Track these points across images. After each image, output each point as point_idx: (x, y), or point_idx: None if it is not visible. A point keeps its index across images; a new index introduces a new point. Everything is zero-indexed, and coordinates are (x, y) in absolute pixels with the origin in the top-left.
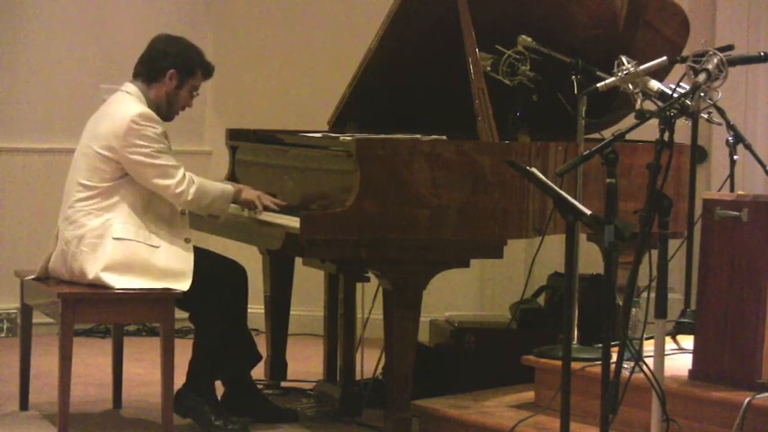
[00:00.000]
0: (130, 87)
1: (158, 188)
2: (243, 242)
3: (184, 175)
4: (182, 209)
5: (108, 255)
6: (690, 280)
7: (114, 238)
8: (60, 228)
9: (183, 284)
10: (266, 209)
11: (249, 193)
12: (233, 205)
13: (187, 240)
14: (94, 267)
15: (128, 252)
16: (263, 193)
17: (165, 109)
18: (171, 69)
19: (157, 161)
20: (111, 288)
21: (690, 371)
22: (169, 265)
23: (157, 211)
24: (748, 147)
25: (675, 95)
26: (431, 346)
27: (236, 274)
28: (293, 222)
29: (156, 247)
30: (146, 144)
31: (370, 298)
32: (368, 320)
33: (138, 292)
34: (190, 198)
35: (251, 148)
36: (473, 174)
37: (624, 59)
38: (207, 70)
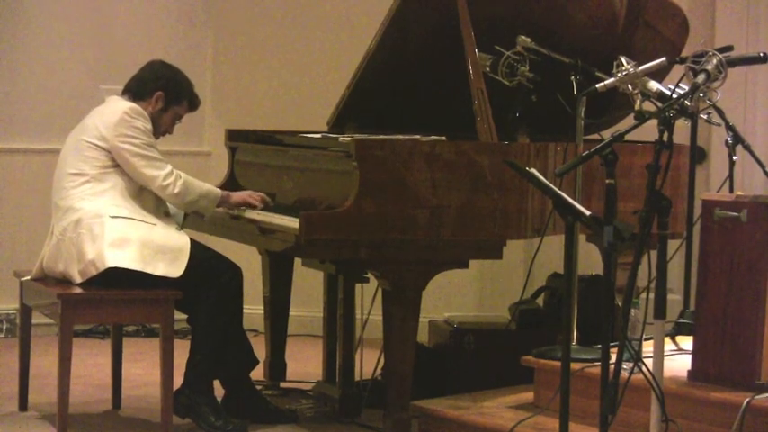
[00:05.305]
0: (115, 98)
1: (146, 179)
2: (244, 243)
3: (171, 170)
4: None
5: (107, 232)
6: (689, 281)
7: (111, 217)
8: (54, 222)
9: (180, 263)
10: (262, 201)
11: (238, 195)
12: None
13: (177, 229)
14: (94, 247)
15: (127, 228)
16: (252, 192)
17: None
18: (159, 92)
19: (147, 152)
20: (109, 267)
21: (689, 371)
22: (167, 241)
23: (147, 200)
24: (747, 147)
25: (674, 96)
26: (430, 346)
27: (232, 272)
28: (293, 223)
29: (153, 224)
30: (136, 135)
31: (369, 298)
32: (367, 321)
33: (138, 292)
34: (176, 191)
35: (250, 149)
36: (472, 174)
37: (623, 60)
38: (193, 102)
